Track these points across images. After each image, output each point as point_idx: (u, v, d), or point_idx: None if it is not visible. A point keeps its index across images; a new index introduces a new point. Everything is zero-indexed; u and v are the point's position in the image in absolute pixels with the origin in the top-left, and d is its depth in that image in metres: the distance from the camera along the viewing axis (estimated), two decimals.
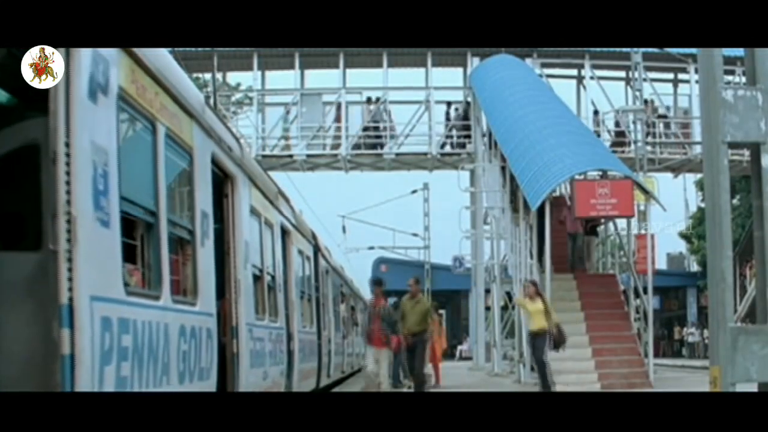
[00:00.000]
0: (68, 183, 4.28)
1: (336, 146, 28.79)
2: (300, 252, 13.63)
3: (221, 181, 8.06)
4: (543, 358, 16.12)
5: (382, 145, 28.76)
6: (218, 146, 7.57)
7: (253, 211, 9.30)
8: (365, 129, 28.67)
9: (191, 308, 6.39)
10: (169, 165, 5.96)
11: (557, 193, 21.36)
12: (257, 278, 9.43)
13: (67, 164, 4.29)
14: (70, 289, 4.23)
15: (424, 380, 16.25)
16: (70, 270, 4.23)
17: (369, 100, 28.80)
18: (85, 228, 4.38)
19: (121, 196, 4.95)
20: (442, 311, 36.00)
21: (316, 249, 16.46)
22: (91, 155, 4.51)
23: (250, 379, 8.34)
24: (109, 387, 4.55)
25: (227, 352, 7.90)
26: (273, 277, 10.52)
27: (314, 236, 16.35)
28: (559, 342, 16.58)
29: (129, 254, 5.27)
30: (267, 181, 10.67)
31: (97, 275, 4.55)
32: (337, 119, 28.71)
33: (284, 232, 11.75)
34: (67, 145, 4.29)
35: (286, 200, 12.47)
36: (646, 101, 28.63)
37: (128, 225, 5.24)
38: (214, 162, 7.45)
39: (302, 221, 14.62)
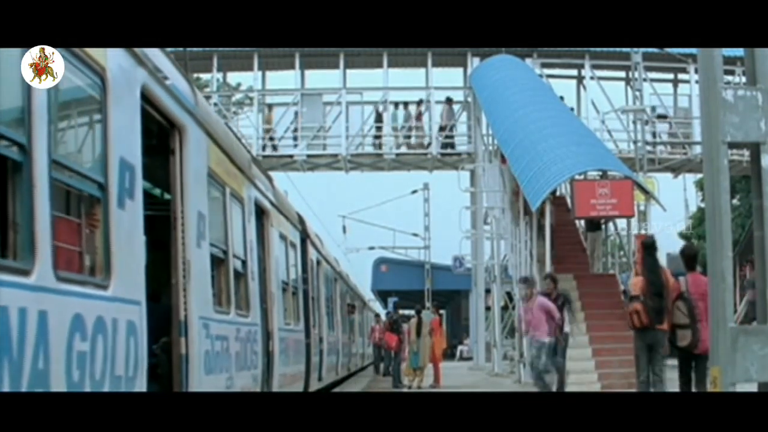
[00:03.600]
0: None
1: (379, 146, 28.79)
2: (282, 237, 11.74)
3: (166, 133, 6.30)
4: None
5: (453, 145, 28.82)
6: (155, 79, 5.68)
7: (213, 177, 7.41)
8: (441, 129, 28.65)
9: (98, 292, 4.67)
10: (57, 85, 4.12)
11: (558, 193, 21.34)
12: (219, 262, 7.68)
13: None
14: None
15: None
16: None
17: (449, 100, 28.74)
18: None
19: None
20: (442, 311, 36.01)
21: (304, 236, 14.57)
22: None
23: (205, 387, 6.71)
24: None
25: (173, 354, 6.36)
26: (244, 263, 8.64)
27: (302, 221, 14.55)
28: None
29: None
30: (236, 144, 8.80)
31: None
32: (378, 119, 28.68)
33: (261, 211, 9.87)
34: None
35: (267, 176, 10.76)
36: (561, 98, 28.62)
37: None
38: (148, 101, 5.65)
39: (286, 202, 12.85)
